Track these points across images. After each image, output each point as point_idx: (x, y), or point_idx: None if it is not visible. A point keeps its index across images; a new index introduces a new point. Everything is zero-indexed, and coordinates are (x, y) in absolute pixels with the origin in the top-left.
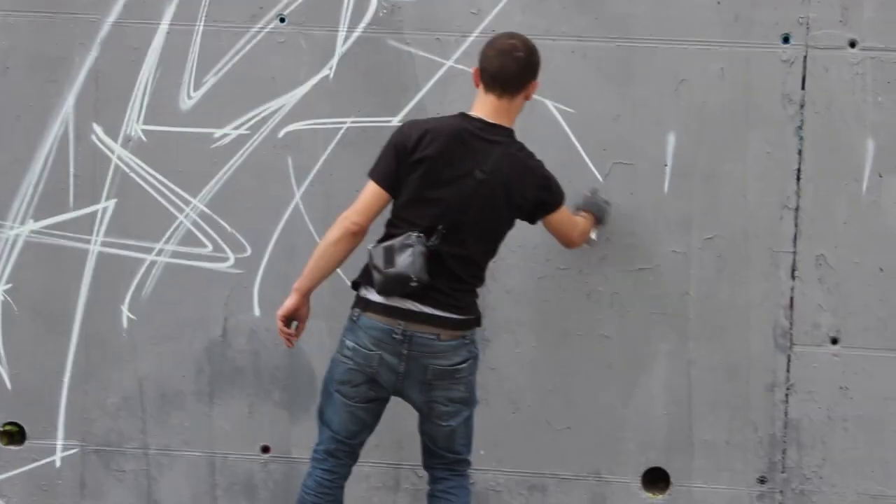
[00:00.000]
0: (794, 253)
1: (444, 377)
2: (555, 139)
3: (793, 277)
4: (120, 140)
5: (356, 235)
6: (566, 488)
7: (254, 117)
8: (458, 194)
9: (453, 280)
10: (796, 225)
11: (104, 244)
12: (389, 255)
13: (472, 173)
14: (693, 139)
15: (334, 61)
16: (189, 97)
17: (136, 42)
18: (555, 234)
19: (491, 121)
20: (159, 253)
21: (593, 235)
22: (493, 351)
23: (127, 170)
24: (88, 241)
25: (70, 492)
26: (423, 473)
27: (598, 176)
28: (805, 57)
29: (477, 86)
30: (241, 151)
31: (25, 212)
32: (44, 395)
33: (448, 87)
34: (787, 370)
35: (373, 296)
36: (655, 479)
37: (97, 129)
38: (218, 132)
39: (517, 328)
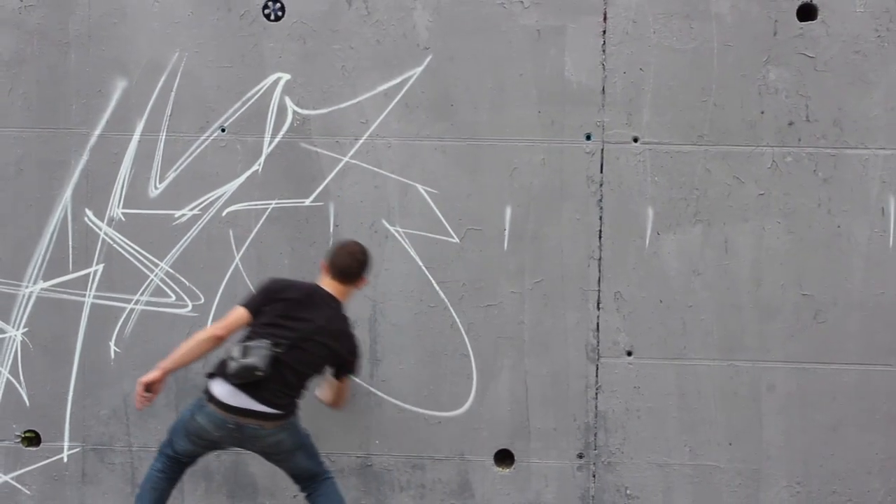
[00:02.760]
0: (599, 291)
1: (269, 448)
2: (424, 212)
3: (598, 308)
4: (106, 220)
5: (218, 341)
6: (439, 466)
7: (204, 202)
8: (304, 328)
9: (283, 384)
10: (599, 270)
11: (96, 297)
12: (245, 351)
13: (315, 319)
14: (524, 210)
15: (262, 159)
16: (156, 188)
17: (116, 148)
18: (338, 393)
19: (333, 294)
20: (136, 303)
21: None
22: (382, 368)
23: (111, 242)
24: (84, 295)
25: (75, 480)
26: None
27: (456, 238)
28: (602, 149)
29: (324, 273)
30: (195, 227)
31: (37, 274)
32: (54, 409)
33: (345, 176)
34: (596, 375)
35: (218, 389)
36: (504, 457)
37: (89, 212)
38: (178, 213)
39: (400, 351)
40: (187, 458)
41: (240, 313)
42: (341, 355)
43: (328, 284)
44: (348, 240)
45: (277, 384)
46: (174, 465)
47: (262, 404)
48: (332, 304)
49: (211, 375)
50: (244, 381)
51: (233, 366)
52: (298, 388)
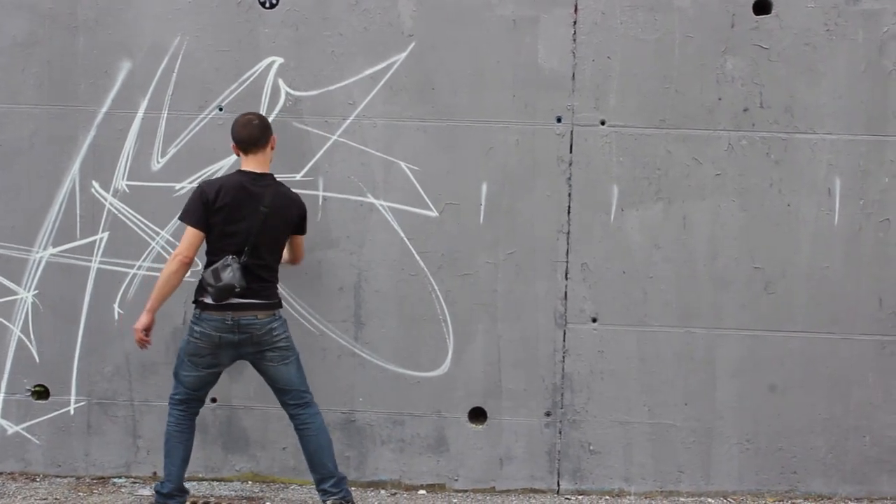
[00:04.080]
0: (567, 262)
1: (265, 336)
2: (405, 187)
3: (566, 278)
4: (111, 191)
5: (187, 265)
6: (418, 422)
7: (202, 175)
8: (252, 225)
9: (259, 281)
10: (568, 243)
11: (101, 263)
12: (217, 274)
13: (257, 210)
14: (498, 187)
15: None
16: (158, 162)
17: (121, 125)
18: (294, 250)
19: (258, 171)
20: (139, 268)
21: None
22: (366, 331)
23: (116, 212)
24: (90, 261)
25: (80, 431)
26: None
27: (435, 212)
28: (572, 131)
29: (237, 154)
30: None
31: (47, 241)
32: (61, 365)
33: (333, 153)
34: (564, 340)
35: (209, 300)
36: (477, 414)
37: (95, 184)
38: (178, 185)
39: (383, 315)
40: (194, 390)
41: (194, 234)
42: (294, 222)
43: (248, 163)
44: (240, 114)
45: (254, 282)
46: (185, 408)
47: (250, 299)
48: (264, 181)
49: (198, 297)
50: (227, 299)
51: (212, 291)
52: (272, 274)
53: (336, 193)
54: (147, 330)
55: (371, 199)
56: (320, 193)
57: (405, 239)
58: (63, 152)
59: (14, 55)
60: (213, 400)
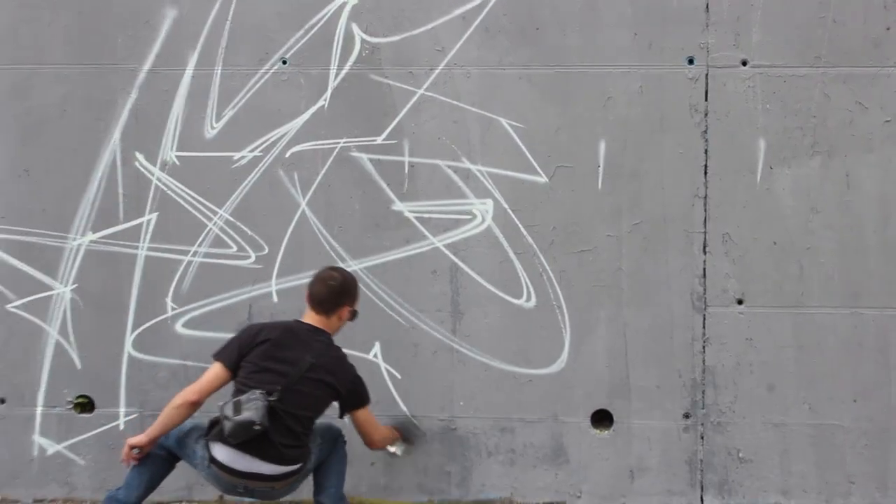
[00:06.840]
0: (705, 233)
1: (285, 494)
2: (508, 149)
3: (704, 252)
4: (158, 164)
5: (195, 405)
6: (530, 429)
7: (265, 142)
8: (293, 369)
9: (287, 436)
10: (705, 210)
11: (150, 249)
12: (238, 407)
13: (305, 357)
14: (619, 145)
15: (328, 94)
16: (212, 128)
17: (167, 85)
18: (359, 429)
19: (317, 326)
20: (194, 255)
21: (395, 450)
22: (465, 321)
23: (165, 188)
24: (137, 248)
25: None
26: None
27: (545, 177)
28: (707, 75)
29: (306, 303)
30: (256, 169)
31: (85, 225)
32: (107, 372)
33: (421, 111)
34: (703, 327)
35: (220, 453)
36: (601, 418)
37: (139, 156)
38: (237, 155)
39: (485, 302)
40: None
41: (216, 371)
42: (339, 390)
43: (309, 317)
44: (328, 266)
45: (281, 436)
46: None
47: (271, 464)
48: (318, 336)
49: (208, 440)
50: (243, 439)
51: (228, 426)
52: (305, 434)
53: (424, 158)
54: (141, 448)
55: (467, 164)
56: (406, 159)
57: (509, 210)
58: (100, 119)
59: (39, 6)
60: None
